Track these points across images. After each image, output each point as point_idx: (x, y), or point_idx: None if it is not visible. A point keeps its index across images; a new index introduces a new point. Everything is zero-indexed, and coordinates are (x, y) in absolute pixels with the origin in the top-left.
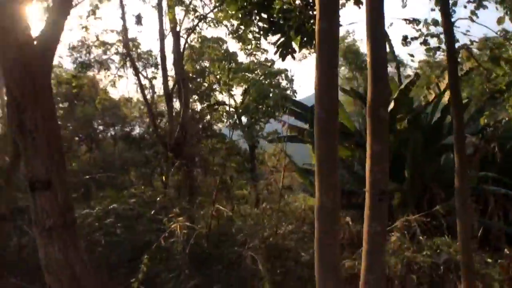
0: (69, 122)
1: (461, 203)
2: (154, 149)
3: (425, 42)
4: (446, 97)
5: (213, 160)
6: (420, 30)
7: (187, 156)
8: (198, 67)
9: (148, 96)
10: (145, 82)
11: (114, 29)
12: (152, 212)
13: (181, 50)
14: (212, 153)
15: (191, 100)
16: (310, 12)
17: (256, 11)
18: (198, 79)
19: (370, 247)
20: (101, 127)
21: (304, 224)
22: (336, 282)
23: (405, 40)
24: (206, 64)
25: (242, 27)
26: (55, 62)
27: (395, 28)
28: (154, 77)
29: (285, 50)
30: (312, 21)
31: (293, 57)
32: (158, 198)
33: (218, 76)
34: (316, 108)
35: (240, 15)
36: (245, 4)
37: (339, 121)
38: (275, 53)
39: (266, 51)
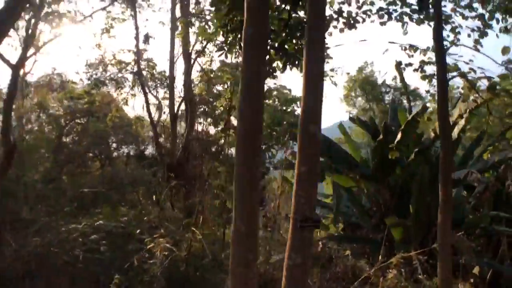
0: (84, 137)
1: (442, 241)
2: (154, 168)
3: (421, 69)
4: (456, 131)
5: (215, 181)
6: (412, 56)
7: (188, 177)
8: (214, 90)
9: (158, 116)
10: (156, 102)
11: (131, 48)
12: (138, 232)
13: (191, 71)
14: (213, 175)
15: (205, 122)
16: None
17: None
18: (213, 103)
19: (288, 283)
20: (114, 145)
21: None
22: None
23: (399, 66)
24: (220, 88)
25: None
26: (71, 77)
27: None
28: (166, 98)
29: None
30: (294, 41)
31: (273, 77)
32: (145, 218)
33: (232, 100)
34: (238, 124)
35: (223, 32)
36: (229, 21)
37: (344, 150)
38: None
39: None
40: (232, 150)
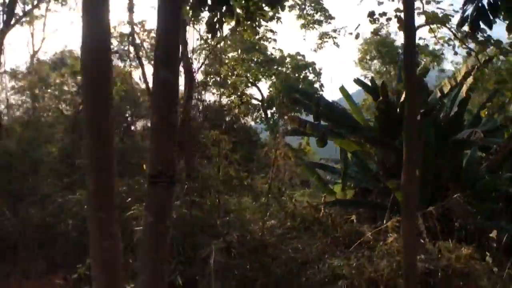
0: None
1: (405, 202)
2: None
3: (398, 18)
4: (464, 89)
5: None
6: (382, 3)
7: (187, 145)
8: (226, 60)
9: None
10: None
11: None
12: (128, 200)
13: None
14: (216, 144)
15: (218, 93)
16: None
17: None
18: (225, 72)
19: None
20: (129, 119)
21: (288, 220)
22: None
23: (372, 16)
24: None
25: None
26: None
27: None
28: None
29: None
30: None
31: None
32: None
33: (244, 69)
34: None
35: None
36: None
37: (348, 113)
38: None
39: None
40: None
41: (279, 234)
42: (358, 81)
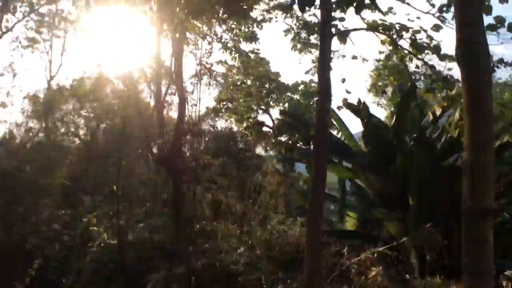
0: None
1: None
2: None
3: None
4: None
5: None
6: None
7: (179, 170)
8: (242, 85)
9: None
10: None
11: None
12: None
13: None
14: (205, 169)
15: (230, 120)
16: None
17: None
18: (240, 100)
19: None
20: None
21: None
22: None
23: None
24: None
25: None
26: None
27: None
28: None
29: None
30: None
31: None
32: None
33: (257, 97)
34: None
35: None
36: None
37: (339, 139)
38: None
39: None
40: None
41: (244, 264)
42: (345, 103)
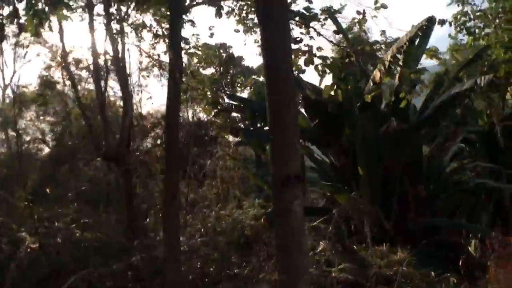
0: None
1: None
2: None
3: None
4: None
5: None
6: None
7: (129, 165)
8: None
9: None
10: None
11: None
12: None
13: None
14: (157, 160)
15: (199, 109)
16: None
17: None
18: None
19: None
20: None
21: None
22: None
23: None
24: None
25: None
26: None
27: None
28: None
29: None
30: None
31: None
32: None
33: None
34: None
35: None
36: None
37: None
38: None
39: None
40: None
41: (185, 252)
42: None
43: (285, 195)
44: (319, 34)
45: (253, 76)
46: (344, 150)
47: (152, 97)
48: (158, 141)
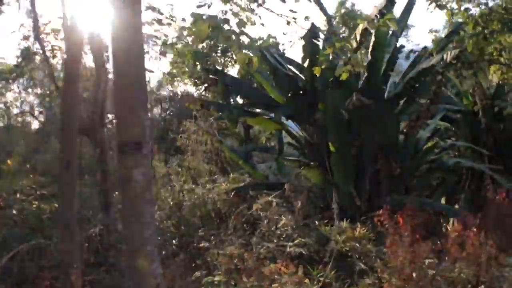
0: None
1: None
2: None
3: None
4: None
5: None
6: None
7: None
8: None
9: None
10: None
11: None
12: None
13: None
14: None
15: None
16: None
17: None
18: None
19: None
20: None
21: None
22: None
23: None
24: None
25: None
26: None
27: None
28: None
29: None
30: None
31: None
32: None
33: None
34: None
35: None
36: None
37: (261, 90)
38: None
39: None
40: None
41: None
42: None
43: (125, 162)
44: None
45: (245, 51)
46: (319, 126)
47: None
48: None
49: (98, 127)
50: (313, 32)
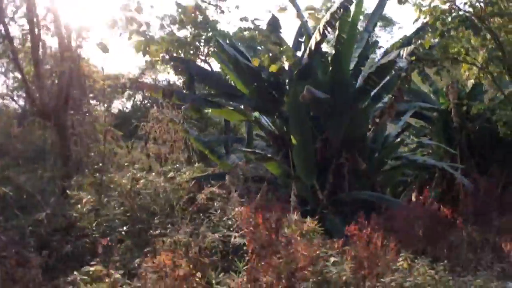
0: None
1: None
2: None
3: None
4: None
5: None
6: None
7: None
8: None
9: None
10: None
11: None
12: None
13: None
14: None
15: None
16: None
17: None
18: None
19: None
20: None
21: None
22: None
23: None
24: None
25: None
26: None
27: None
28: None
29: None
30: None
31: None
32: None
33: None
34: None
35: None
36: None
37: (226, 81)
38: None
39: None
40: None
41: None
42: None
43: None
44: None
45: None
46: (284, 118)
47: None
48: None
49: (62, 112)
50: (273, 25)
